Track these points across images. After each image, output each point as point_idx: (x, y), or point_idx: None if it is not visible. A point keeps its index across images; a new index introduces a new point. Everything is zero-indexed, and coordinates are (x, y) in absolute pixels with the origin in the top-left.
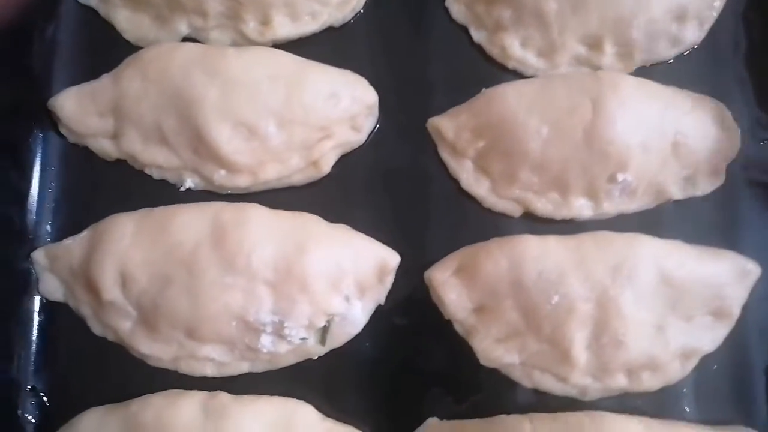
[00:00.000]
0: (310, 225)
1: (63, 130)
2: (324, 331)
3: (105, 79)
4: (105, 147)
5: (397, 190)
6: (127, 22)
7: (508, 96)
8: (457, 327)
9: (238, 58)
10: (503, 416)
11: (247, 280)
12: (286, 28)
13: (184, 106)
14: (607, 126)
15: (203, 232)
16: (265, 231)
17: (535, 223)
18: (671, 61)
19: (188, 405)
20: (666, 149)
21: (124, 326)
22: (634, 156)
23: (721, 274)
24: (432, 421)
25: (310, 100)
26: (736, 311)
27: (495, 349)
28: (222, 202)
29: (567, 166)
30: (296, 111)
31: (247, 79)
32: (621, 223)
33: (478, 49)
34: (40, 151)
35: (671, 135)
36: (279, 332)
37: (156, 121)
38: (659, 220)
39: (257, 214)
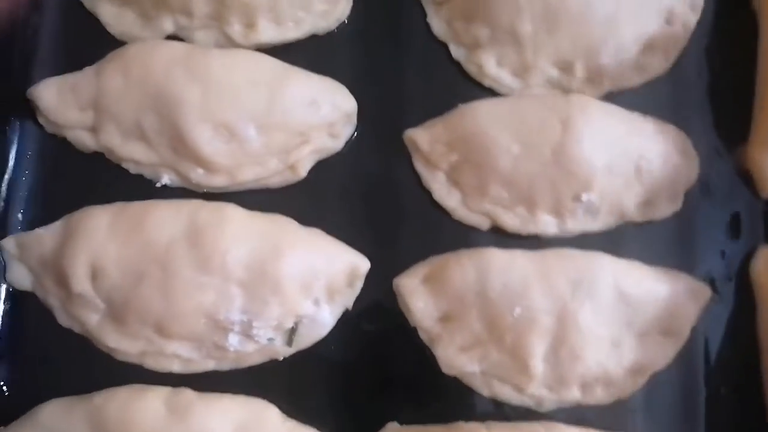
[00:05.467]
0: (285, 228)
1: (41, 120)
2: (292, 333)
3: (87, 72)
4: (83, 139)
5: (371, 197)
6: (111, 16)
7: (481, 112)
8: (422, 334)
9: (221, 59)
10: (461, 423)
11: (221, 280)
12: (270, 32)
13: (165, 105)
14: (574, 146)
15: (179, 230)
16: (241, 232)
17: (501, 237)
18: (637, 88)
19: (153, 400)
20: (629, 172)
21: (91, 319)
22: (599, 177)
23: (675, 295)
24: (392, 426)
25: (291, 106)
26: (687, 331)
27: (457, 358)
28: (199, 200)
29: (535, 183)
30: (276, 116)
31: (229, 81)
32: (583, 242)
33: (456, 65)
34: (16, 139)
35: (635, 159)
36: (247, 332)
37: (136, 118)
38: (619, 240)
39: (233, 214)
